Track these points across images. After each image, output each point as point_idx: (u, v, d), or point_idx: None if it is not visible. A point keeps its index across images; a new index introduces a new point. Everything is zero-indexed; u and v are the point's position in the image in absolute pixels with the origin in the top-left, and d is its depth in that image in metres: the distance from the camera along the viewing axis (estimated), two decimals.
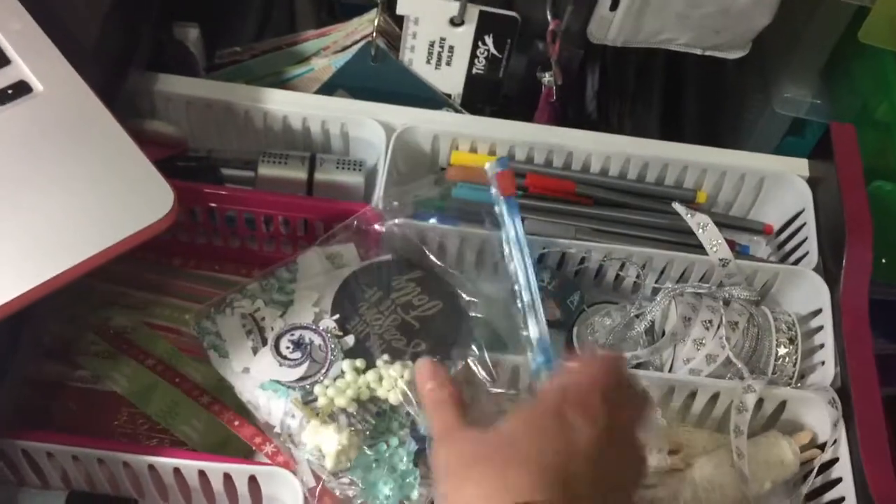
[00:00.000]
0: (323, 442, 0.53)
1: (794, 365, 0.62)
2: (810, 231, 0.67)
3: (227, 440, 0.59)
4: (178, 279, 0.66)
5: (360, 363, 0.56)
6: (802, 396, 0.60)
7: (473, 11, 0.68)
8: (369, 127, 0.69)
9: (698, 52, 0.72)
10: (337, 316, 0.58)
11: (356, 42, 0.72)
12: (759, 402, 0.60)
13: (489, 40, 0.70)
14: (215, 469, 0.54)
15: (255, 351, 0.57)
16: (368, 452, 0.54)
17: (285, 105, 0.69)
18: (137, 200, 0.49)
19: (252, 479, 0.55)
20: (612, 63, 0.89)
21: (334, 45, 0.74)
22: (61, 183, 0.49)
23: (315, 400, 0.55)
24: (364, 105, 0.70)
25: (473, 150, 0.71)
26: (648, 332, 0.65)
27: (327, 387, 0.55)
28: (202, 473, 0.55)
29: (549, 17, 0.69)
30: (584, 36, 0.71)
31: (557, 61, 0.71)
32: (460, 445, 0.44)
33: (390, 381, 0.56)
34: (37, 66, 0.53)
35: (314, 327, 0.58)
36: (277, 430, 0.55)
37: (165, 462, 0.54)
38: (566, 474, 0.40)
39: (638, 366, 0.63)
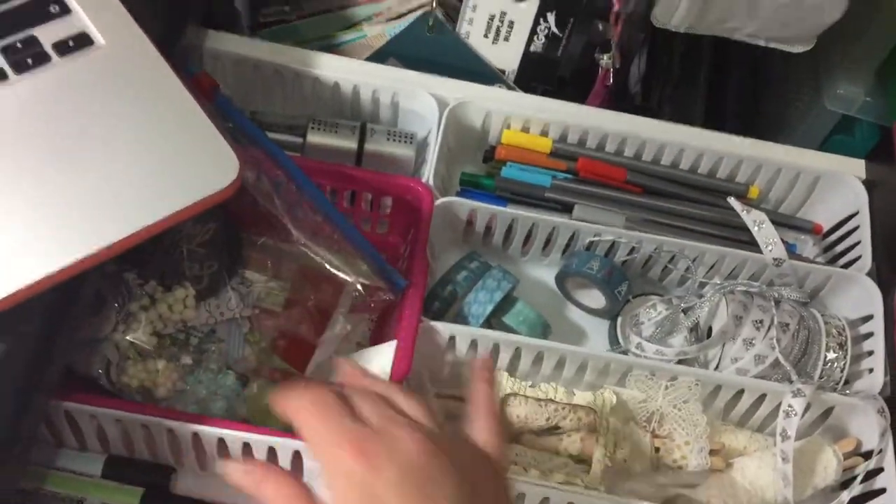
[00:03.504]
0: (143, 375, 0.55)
1: (842, 371, 0.62)
2: (864, 234, 0.67)
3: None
4: None
5: (146, 301, 0.55)
6: (851, 404, 0.60)
7: None
8: (422, 99, 0.68)
9: (762, 43, 0.71)
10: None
11: (411, 10, 0.70)
12: (806, 407, 0.59)
13: (551, 18, 0.68)
14: (260, 441, 0.54)
15: None
16: (198, 383, 0.57)
17: (337, 71, 0.68)
18: (202, 166, 0.48)
19: (296, 455, 0.54)
20: (660, 46, 0.87)
21: (388, 11, 0.72)
22: (123, 143, 0.47)
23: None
24: (418, 76, 0.68)
25: (526, 129, 0.69)
26: (694, 328, 0.64)
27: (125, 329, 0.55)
28: (246, 445, 0.54)
29: None
30: (646, 19, 0.69)
31: (618, 44, 0.69)
32: None
33: (178, 302, 0.56)
34: (98, 17, 0.51)
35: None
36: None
37: (210, 431, 0.53)
38: None
39: (682, 362, 0.63)
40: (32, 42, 0.49)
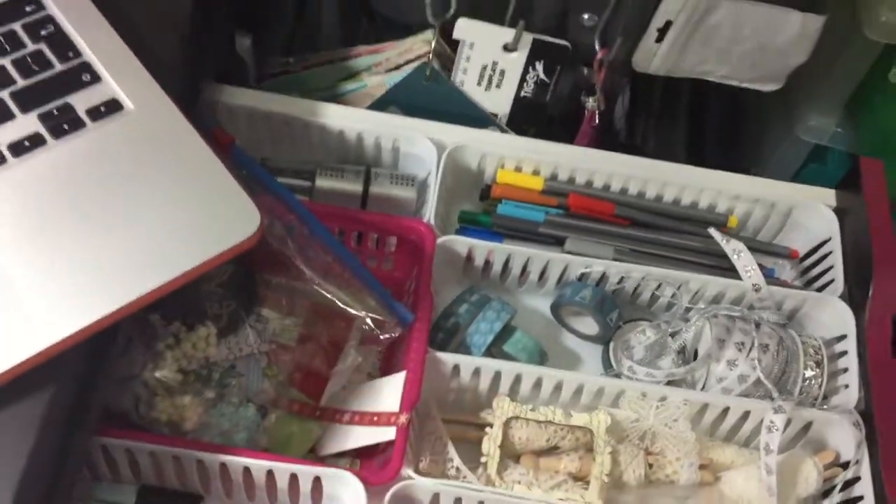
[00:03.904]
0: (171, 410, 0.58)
1: (820, 387, 0.66)
2: (836, 259, 0.71)
3: (290, 438, 0.63)
4: None
5: (171, 340, 0.59)
6: (828, 418, 0.64)
7: (527, 39, 0.72)
8: (421, 144, 0.72)
9: (735, 83, 0.76)
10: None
11: (409, 61, 0.75)
12: (787, 422, 0.64)
13: (539, 66, 0.73)
14: (283, 469, 0.58)
15: None
16: (221, 416, 0.60)
17: (342, 120, 0.72)
18: (225, 219, 0.52)
19: (316, 480, 0.58)
20: (642, 83, 0.92)
21: (387, 62, 0.77)
22: (154, 200, 0.52)
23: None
24: (417, 122, 0.73)
25: (519, 169, 0.74)
26: (681, 351, 0.69)
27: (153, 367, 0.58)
28: (270, 473, 0.58)
29: (596, 47, 0.72)
30: (628, 65, 0.75)
31: (602, 88, 0.74)
32: None
33: (201, 340, 0.60)
34: (126, 83, 0.55)
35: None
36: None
37: (237, 461, 0.57)
38: None
39: (671, 383, 0.67)
40: (68, 109, 0.53)
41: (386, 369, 0.67)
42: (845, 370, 0.67)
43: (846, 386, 0.66)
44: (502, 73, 0.74)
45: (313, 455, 0.63)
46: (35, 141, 0.52)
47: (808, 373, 0.66)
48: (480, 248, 0.70)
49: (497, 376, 0.65)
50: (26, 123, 0.52)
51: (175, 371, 0.60)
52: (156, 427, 0.60)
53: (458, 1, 0.71)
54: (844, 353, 0.67)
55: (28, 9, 0.56)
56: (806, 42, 0.71)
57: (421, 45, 0.76)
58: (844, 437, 0.64)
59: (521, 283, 0.73)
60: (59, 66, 0.55)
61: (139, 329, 0.61)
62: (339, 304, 0.64)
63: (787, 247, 0.76)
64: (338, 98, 0.77)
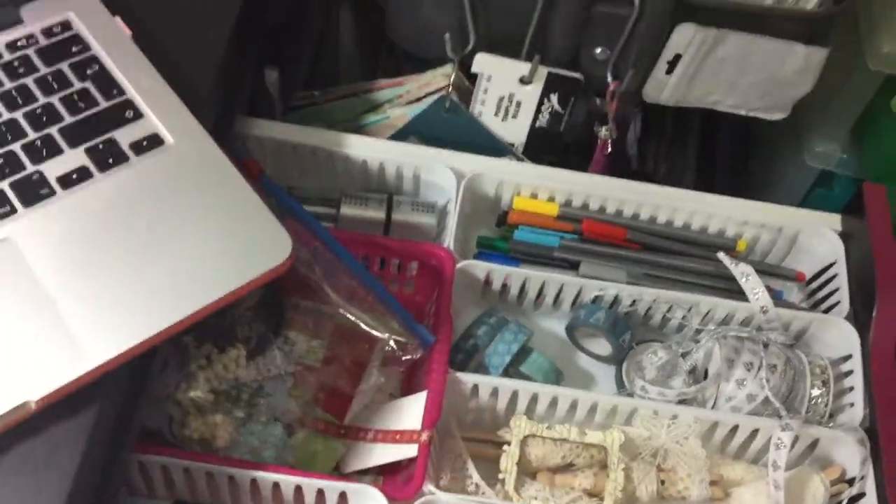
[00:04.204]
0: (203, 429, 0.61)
1: (826, 405, 0.69)
2: (842, 282, 0.74)
3: (315, 456, 0.66)
4: None
5: (203, 361, 0.62)
6: (834, 436, 0.67)
7: (542, 72, 0.75)
8: (441, 172, 0.76)
9: (742, 112, 0.79)
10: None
11: (429, 94, 0.79)
12: (795, 439, 0.66)
13: (554, 98, 0.77)
14: (310, 484, 0.61)
15: None
16: (250, 434, 0.63)
17: (365, 150, 0.76)
18: (259, 246, 0.55)
19: (342, 495, 0.61)
20: (652, 109, 0.95)
21: (408, 94, 0.80)
22: (190, 229, 0.55)
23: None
24: (437, 152, 0.76)
25: (534, 196, 0.77)
26: (692, 371, 0.71)
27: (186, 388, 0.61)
28: (298, 488, 0.61)
29: (609, 79, 0.75)
30: (639, 95, 0.78)
31: (614, 118, 0.77)
32: None
33: (231, 361, 0.62)
34: (166, 119, 0.58)
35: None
36: None
37: (267, 476, 0.60)
38: None
39: (682, 402, 0.70)
40: (112, 144, 0.57)
41: (407, 389, 0.69)
42: (851, 389, 0.69)
43: (851, 404, 0.68)
44: (518, 104, 0.78)
45: (337, 472, 0.66)
46: (82, 174, 0.55)
47: (815, 392, 0.69)
48: (498, 272, 0.73)
49: (514, 396, 0.68)
50: (74, 158, 0.56)
51: (207, 391, 0.63)
52: (188, 445, 0.63)
53: (477, 37, 0.74)
54: (850, 372, 0.70)
55: (74, 49, 0.60)
56: (810, 73, 0.74)
57: (440, 78, 0.79)
58: (850, 454, 0.66)
59: (538, 306, 0.76)
60: (103, 104, 0.58)
61: (173, 350, 0.64)
62: (363, 326, 0.67)
63: (794, 269, 0.79)
64: (361, 129, 0.80)
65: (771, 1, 0.73)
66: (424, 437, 0.63)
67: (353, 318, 0.67)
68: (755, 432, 0.67)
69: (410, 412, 0.65)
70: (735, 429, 0.68)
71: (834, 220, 0.78)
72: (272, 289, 0.68)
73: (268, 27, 0.80)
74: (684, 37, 0.72)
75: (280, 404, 0.67)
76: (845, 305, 0.73)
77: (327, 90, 0.84)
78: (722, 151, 1.04)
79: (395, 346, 0.67)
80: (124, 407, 0.54)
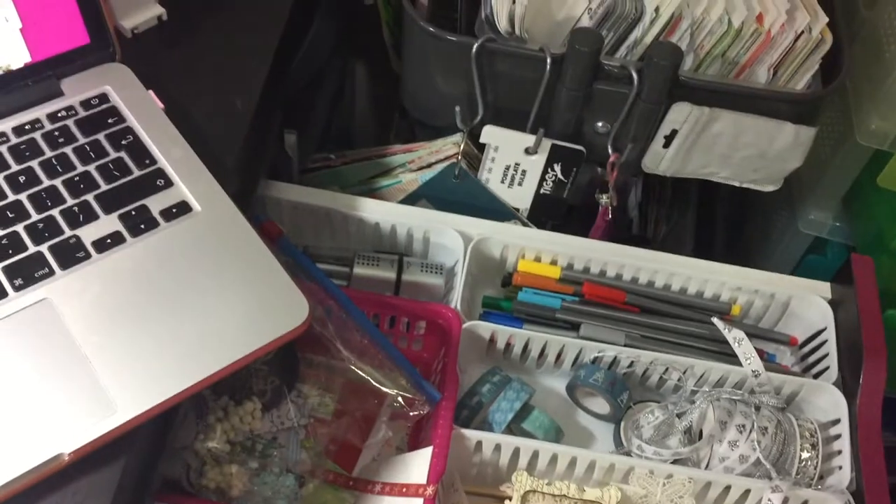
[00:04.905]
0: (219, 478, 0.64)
1: (815, 468, 0.71)
2: (831, 347, 0.77)
3: None
4: None
5: (220, 413, 0.65)
6: (822, 498, 0.69)
7: (546, 144, 0.79)
8: (449, 235, 0.80)
9: (736, 184, 0.83)
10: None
11: (440, 161, 0.83)
12: (784, 500, 0.69)
13: (557, 167, 0.81)
14: None
15: None
16: (263, 484, 0.66)
17: (378, 213, 0.80)
18: (278, 310, 0.59)
19: None
20: (652, 174, 0.99)
21: (419, 160, 0.85)
22: (217, 292, 0.58)
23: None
24: (445, 216, 0.80)
25: (538, 259, 0.81)
26: (687, 431, 0.74)
27: (203, 439, 0.64)
28: None
29: (609, 151, 0.79)
30: (639, 166, 0.82)
31: (614, 186, 0.81)
32: None
33: (247, 414, 0.65)
34: (194, 187, 0.63)
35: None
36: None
37: None
38: None
39: (677, 461, 0.72)
40: (144, 210, 0.61)
41: (414, 444, 0.72)
42: (839, 452, 0.72)
43: (840, 467, 0.71)
44: (524, 172, 0.82)
45: None
46: (115, 239, 0.59)
47: (805, 454, 0.72)
48: (502, 332, 0.76)
49: (516, 452, 0.71)
50: (108, 223, 0.60)
51: (223, 442, 0.66)
52: (204, 493, 0.66)
53: (485, 109, 0.79)
54: (838, 436, 0.73)
55: (111, 121, 0.64)
56: (800, 150, 0.78)
57: (451, 146, 0.83)
58: None
59: (540, 365, 0.79)
60: (136, 172, 0.62)
61: (192, 402, 0.67)
62: (373, 382, 0.70)
63: (786, 334, 0.82)
64: (374, 192, 0.84)
65: (764, 82, 0.77)
66: (430, 491, 0.65)
67: (363, 375, 0.70)
68: (747, 493, 0.70)
69: (417, 466, 0.68)
70: (728, 489, 0.70)
71: (824, 288, 0.81)
72: (287, 344, 0.72)
73: (290, 94, 0.85)
74: (680, 114, 0.76)
75: (292, 455, 0.70)
76: (834, 371, 0.76)
77: (342, 153, 0.88)
78: (720, 216, 1.08)
79: (402, 402, 0.70)
80: (148, 458, 0.57)
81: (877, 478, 0.69)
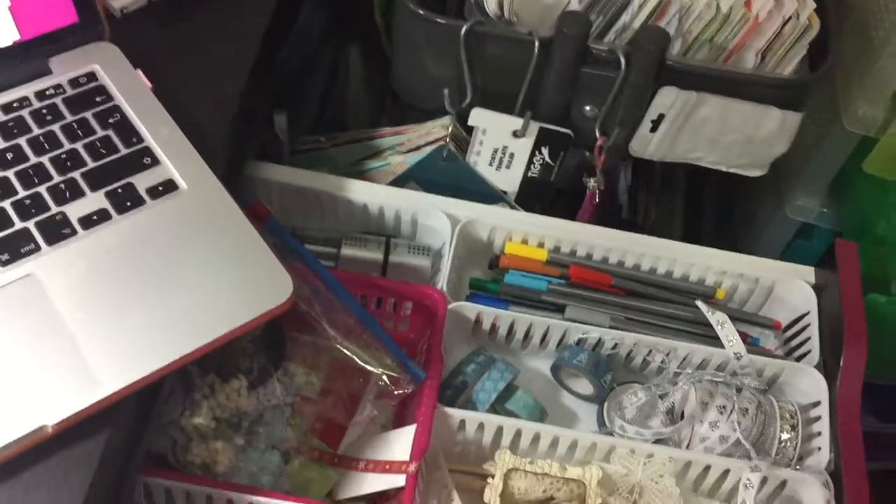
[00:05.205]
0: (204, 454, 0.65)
1: (795, 449, 0.72)
2: (814, 331, 0.78)
3: (310, 483, 0.69)
4: None
5: (207, 390, 0.66)
6: (801, 478, 0.70)
7: (534, 127, 0.80)
8: (437, 217, 0.80)
9: (723, 168, 0.83)
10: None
11: (429, 143, 0.83)
12: (763, 480, 0.70)
13: (545, 151, 0.81)
14: None
15: None
16: (249, 460, 0.67)
17: (366, 195, 0.80)
18: (262, 287, 0.59)
19: None
20: (641, 159, 1.00)
21: (408, 142, 0.85)
22: (200, 269, 0.59)
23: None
24: (433, 198, 0.81)
25: (525, 241, 0.82)
26: (669, 412, 0.75)
27: (190, 415, 0.65)
28: None
29: (597, 135, 0.80)
30: (626, 150, 0.82)
31: (602, 170, 0.82)
32: None
33: (234, 391, 0.66)
34: (180, 166, 0.63)
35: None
36: None
37: (263, 502, 0.64)
38: None
39: (658, 441, 0.73)
40: (130, 188, 0.61)
41: (399, 422, 0.73)
42: (819, 434, 0.73)
43: (819, 448, 0.72)
44: (512, 155, 0.82)
45: (330, 499, 0.70)
46: (102, 216, 0.60)
47: (784, 435, 0.72)
48: (488, 313, 0.77)
49: (499, 431, 0.72)
50: (95, 200, 0.60)
51: (209, 419, 0.67)
52: (190, 469, 0.67)
53: (473, 92, 0.79)
54: (818, 418, 0.73)
55: (98, 99, 0.65)
56: (786, 135, 0.78)
57: (439, 129, 0.84)
58: (815, 496, 0.70)
59: (525, 346, 0.80)
60: (123, 151, 0.63)
61: (179, 379, 0.68)
62: (359, 361, 0.71)
63: (770, 318, 0.82)
64: (363, 174, 0.85)
65: (751, 67, 0.78)
66: (412, 467, 0.66)
67: (349, 354, 0.71)
68: (726, 472, 0.71)
69: (400, 444, 0.69)
70: (707, 468, 0.71)
71: (808, 273, 0.82)
72: (274, 323, 0.72)
73: (281, 77, 0.85)
74: (667, 99, 0.77)
75: (278, 433, 0.71)
76: (815, 354, 0.76)
77: (332, 135, 0.88)
78: (709, 201, 1.09)
79: (388, 381, 0.71)
80: (133, 432, 0.58)
81: (855, 459, 0.70)
